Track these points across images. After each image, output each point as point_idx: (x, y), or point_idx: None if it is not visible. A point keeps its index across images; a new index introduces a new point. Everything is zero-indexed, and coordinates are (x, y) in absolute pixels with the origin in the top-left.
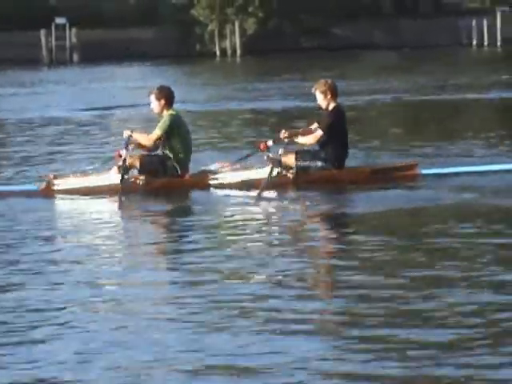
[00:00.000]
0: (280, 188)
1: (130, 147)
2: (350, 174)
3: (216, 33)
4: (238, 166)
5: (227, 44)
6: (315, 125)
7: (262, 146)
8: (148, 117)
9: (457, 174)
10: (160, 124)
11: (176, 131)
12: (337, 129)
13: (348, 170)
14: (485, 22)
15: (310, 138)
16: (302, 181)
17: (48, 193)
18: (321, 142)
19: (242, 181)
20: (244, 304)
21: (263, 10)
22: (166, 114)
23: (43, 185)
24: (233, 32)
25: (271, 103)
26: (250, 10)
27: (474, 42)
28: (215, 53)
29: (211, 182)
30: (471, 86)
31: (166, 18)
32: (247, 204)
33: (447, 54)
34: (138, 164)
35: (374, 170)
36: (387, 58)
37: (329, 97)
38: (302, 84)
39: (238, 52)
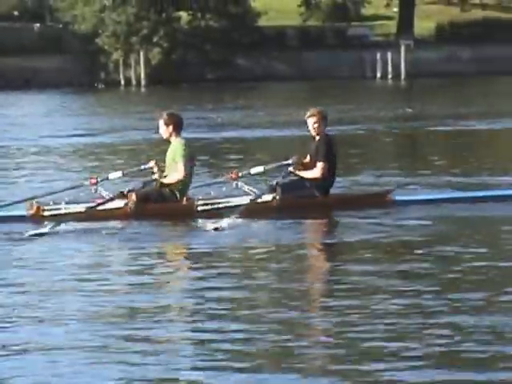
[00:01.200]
0: (262, 214)
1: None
2: (336, 200)
3: (121, 62)
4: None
5: (132, 74)
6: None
7: (233, 175)
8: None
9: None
10: (178, 153)
11: (190, 157)
12: (329, 157)
13: (333, 196)
14: (389, 55)
15: (316, 172)
16: (285, 206)
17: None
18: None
19: (230, 207)
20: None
21: (168, 40)
22: (177, 140)
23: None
24: (138, 62)
25: None
26: (155, 39)
27: (379, 75)
28: (120, 82)
29: (199, 209)
30: (373, 118)
31: (71, 46)
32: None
33: (351, 86)
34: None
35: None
36: (291, 90)
37: (321, 125)
38: (205, 115)
39: (143, 82)
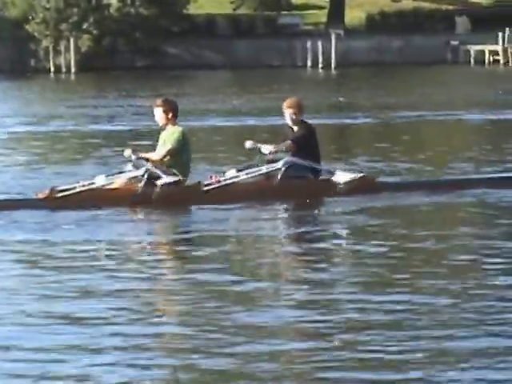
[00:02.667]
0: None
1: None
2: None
3: (51, 49)
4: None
5: (62, 61)
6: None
7: (214, 180)
8: None
9: None
10: (173, 138)
11: (187, 147)
12: (310, 143)
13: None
14: (319, 44)
15: (282, 146)
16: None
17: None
18: (299, 154)
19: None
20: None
21: (98, 28)
22: (175, 128)
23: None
24: (68, 49)
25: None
26: (85, 27)
27: (309, 64)
28: (50, 69)
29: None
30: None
31: (1, 32)
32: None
33: (281, 75)
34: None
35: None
36: (220, 78)
37: (299, 114)
38: (132, 102)
39: (73, 69)
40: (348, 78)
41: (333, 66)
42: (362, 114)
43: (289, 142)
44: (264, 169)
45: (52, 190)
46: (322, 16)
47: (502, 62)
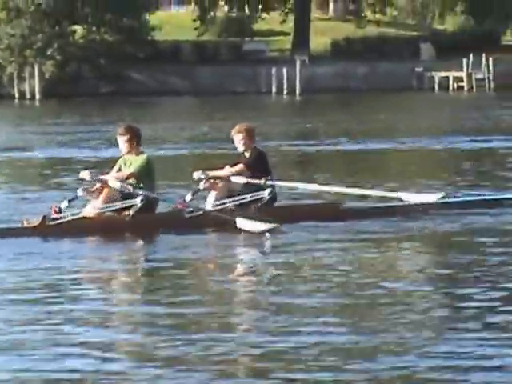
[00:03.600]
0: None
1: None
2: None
3: (15, 75)
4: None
5: (26, 87)
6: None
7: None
8: None
9: None
10: (136, 164)
11: (152, 174)
12: (263, 167)
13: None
14: (284, 71)
15: (230, 170)
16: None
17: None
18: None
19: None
20: None
21: (62, 54)
22: (140, 155)
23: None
24: (32, 75)
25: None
26: (49, 53)
27: (274, 90)
28: (14, 95)
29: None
30: (269, 133)
31: None
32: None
33: (246, 101)
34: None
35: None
36: (185, 104)
37: (249, 139)
38: (95, 128)
39: (37, 96)
40: (313, 104)
41: (298, 92)
42: (324, 141)
43: (241, 165)
44: (248, 197)
45: (44, 218)
46: (286, 42)
47: (466, 88)
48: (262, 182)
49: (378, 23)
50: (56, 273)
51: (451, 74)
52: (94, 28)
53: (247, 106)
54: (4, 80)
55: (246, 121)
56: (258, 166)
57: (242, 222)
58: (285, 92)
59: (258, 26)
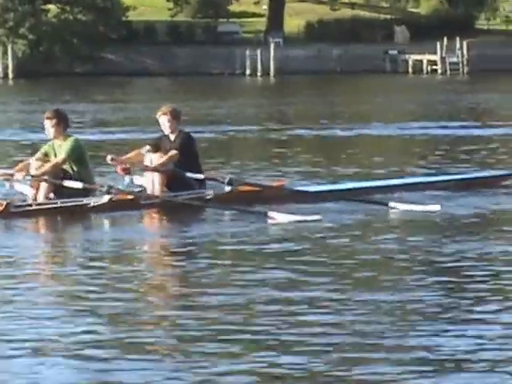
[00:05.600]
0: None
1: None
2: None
3: None
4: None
5: None
6: (147, 147)
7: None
8: None
9: None
10: (66, 149)
11: (85, 157)
12: (192, 151)
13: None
14: (258, 52)
15: (165, 158)
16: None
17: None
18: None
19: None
20: None
21: (34, 33)
22: (69, 138)
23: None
24: (5, 54)
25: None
26: (21, 32)
27: (248, 72)
28: None
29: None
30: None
31: None
32: None
33: (220, 82)
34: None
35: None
36: (159, 85)
37: (176, 122)
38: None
39: (10, 75)
40: (286, 86)
41: (271, 73)
42: (294, 125)
43: (174, 151)
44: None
45: (8, 204)
46: (260, 24)
47: (439, 71)
48: (220, 179)
49: (352, 5)
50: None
51: (425, 58)
52: (67, 7)
53: (222, 87)
54: None
55: (221, 102)
56: (189, 149)
57: (274, 214)
58: (259, 74)
59: (233, 7)
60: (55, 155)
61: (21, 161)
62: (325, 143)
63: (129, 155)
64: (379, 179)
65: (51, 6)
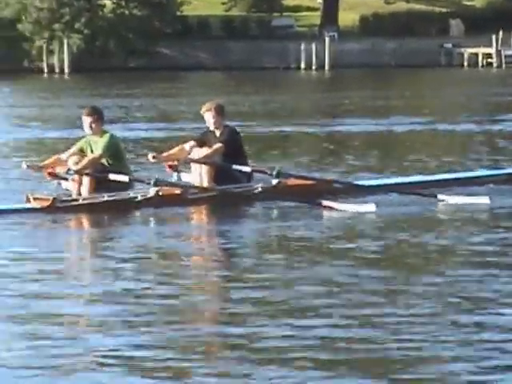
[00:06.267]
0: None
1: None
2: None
3: (44, 49)
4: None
5: (55, 61)
6: (192, 143)
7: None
8: None
9: None
10: (103, 145)
11: (121, 152)
12: (238, 145)
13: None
14: (313, 46)
15: (211, 152)
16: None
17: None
18: (229, 158)
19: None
20: None
21: (90, 28)
22: (105, 134)
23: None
24: (61, 49)
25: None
26: (77, 26)
27: (303, 66)
28: (43, 69)
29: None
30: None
31: None
32: None
33: (275, 77)
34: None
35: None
36: (213, 79)
37: (221, 118)
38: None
39: (66, 70)
40: (341, 80)
41: (326, 67)
42: (348, 119)
43: (219, 144)
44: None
45: (54, 199)
46: (315, 18)
47: (495, 64)
48: (268, 171)
49: None
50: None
51: (480, 51)
52: (122, 2)
53: (276, 81)
54: (33, 54)
55: (276, 96)
56: (234, 143)
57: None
58: (313, 68)
59: (287, 1)
60: (91, 151)
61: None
62: (377, 137)
63: (172, 151)
64: (432, 173)
65: (107, 1)
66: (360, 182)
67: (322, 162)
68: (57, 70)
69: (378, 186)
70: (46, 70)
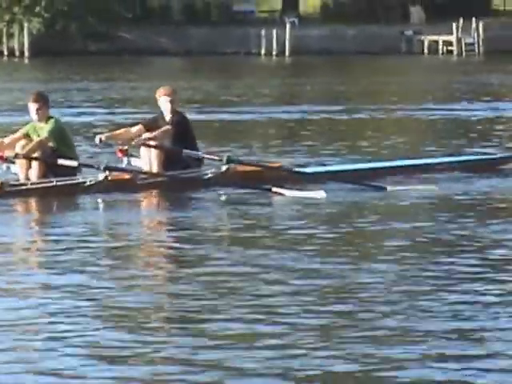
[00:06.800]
0: None
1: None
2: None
3: (4, 32)
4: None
5: (15, 44)
6: (138, 126)
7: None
8: None
9: None
10: (48, 129)
11: (67, 136)
12: (188, 129)
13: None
14: (274, 32)
15: (159, 133)
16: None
17: None
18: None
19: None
20: None
21: (50, 11)
22: (50, 119)
23: None
24: (21, 32)
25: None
26: (37, 10)
27: (263, 52)
28: (3, 52)
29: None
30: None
31: None
32: None
33: (235, 62)
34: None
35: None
36: (174, 64)
37: (176, 103)
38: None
39: (26, 53)
40: (301, 66)
41: (287, 53)
42: (307, 105)
43: (168, 126)
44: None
45: (2, 184)
46: (276, 3)
47: (455, 52)
48: (218, 157)
49: None
50: None
51: (441, 38)
52: None
53: (237, 66)
54: None
55: (236, 81)
56: (185, 127)
57: (279, 189)
58: (274, 53)
59: None
60: (38, 136)
61: None
62: (335, 123)
63: (116, 132)
64: (382, 161)
65: None
66: (305, 170)
67: (277, 149)
68: (17, 54)
69: (321, 173)
70: (5, 53)
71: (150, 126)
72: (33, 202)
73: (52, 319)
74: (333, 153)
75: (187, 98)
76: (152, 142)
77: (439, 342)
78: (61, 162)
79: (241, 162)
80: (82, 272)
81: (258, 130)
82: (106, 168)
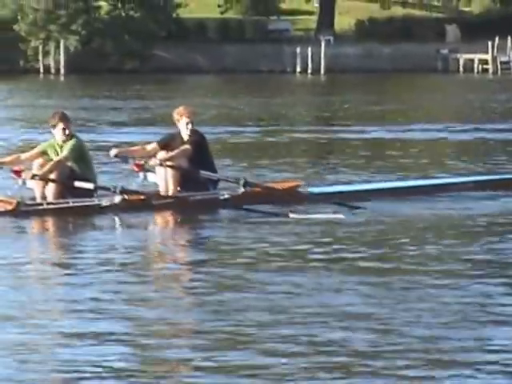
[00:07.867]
0: None
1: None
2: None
3: (40, 50)
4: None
5: (51, 62)
6: (153, 145)
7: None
8: None
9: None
10: (68, 148)
11: (87, 156)
12: (205, 150)
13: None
14: (309, 50)
15: (178, 153)
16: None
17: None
18: (195, 162)
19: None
20: None
21: (86, 29)
22: (71, 139)
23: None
24: (56, 50)
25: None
26: (74, 28)
27: (298, 70)
28: (39, 70)
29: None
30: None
31: None
32: None
33: (270, 80)
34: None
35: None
36: (208, 82)
37: (194, 123)
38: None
39: (62, 70)
40: (336, 84)
41: (322, 71)
42: (341, 125)
43: (187, 146)
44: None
45: (18, 203)
46: (311, 22)
47: (491, 71)
48: (235, 180)
49: (403, 4)
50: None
51: (476, 57)
52: (119, 4)
53: (271, 85)
54: (29, 54)
55: (271, 99)
56: (202, 147)
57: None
58: (309, 71)
59: (283, 4)
60: (57, 154)
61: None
62: (369, 144)
63: (132, 148)
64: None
65: (103, 3)
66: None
67: (304, 167)
68: (52, 71)
69: (326, 193)
70: (41, 71)
71: (165, 145)
72: (48, 222)
73: (67, 341)
74: (370, 172)
75: (224, 115)
76: (169, 162)
77: None
78: (77, 184)
79: (257, 186)
80: (99, 291)
81: (299, 147)
82: (123, 191)
